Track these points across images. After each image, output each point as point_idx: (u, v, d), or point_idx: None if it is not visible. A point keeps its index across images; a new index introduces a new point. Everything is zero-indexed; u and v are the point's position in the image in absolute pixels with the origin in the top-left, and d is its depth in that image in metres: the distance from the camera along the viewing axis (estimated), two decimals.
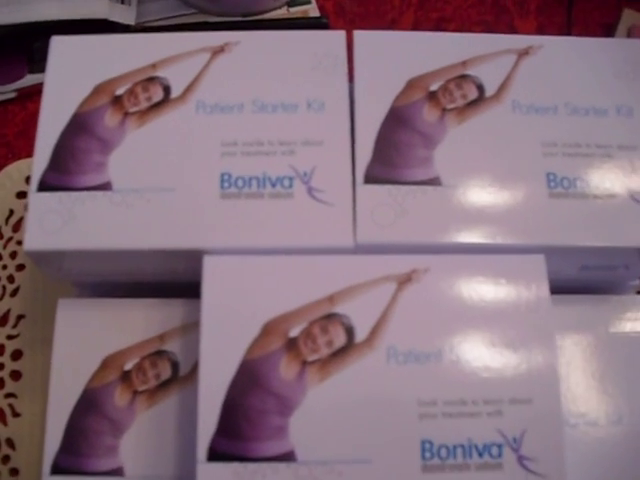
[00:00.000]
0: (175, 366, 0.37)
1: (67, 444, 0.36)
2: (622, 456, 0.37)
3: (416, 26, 0.55)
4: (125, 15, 0.54)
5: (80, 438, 0.36)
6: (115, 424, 0.36)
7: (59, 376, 0.37)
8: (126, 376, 0.37)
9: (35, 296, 0.47)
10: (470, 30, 0.54)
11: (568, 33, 0.54)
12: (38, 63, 0.52)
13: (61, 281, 0.40)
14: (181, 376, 0.37)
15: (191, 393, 0.35)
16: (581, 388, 0.37)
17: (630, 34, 0.52)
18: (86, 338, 0.37)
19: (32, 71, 0.53)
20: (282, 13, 0.56)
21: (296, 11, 0.56)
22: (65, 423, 0.36)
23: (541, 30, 0.54)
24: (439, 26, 0.55)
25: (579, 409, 0.37)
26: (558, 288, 0.37)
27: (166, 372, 0.37)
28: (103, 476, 0.35)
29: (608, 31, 0.54)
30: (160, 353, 0.37)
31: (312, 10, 0.56)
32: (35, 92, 0.37)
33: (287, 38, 0.39)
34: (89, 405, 0.36)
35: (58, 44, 0.38)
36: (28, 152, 0.37)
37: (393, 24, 0.56)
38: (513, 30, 0.55)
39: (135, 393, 0.36)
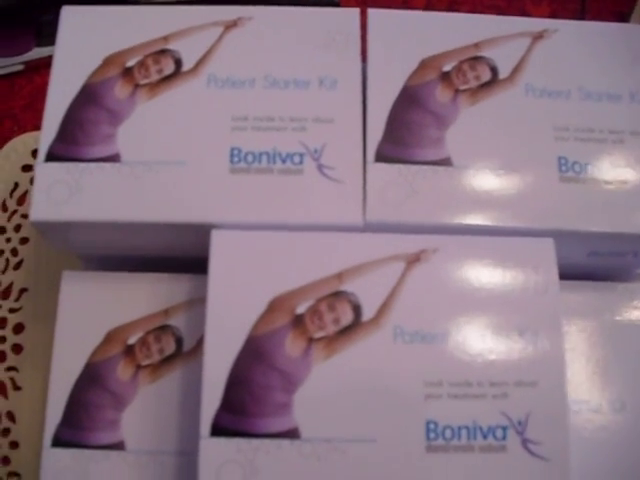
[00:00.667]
0: (179, 341, 0.37)
1: (68, 417, 0.36)
2: (623, 444, 0.36)
3: (428, 8, 0.55)
4: None
5: (81, 411, 0.36)
6: (117, 398, 0.36)
7: (62, 349, 0.37)
8: (129, 350, 0.36)
9: (38, 270, 0.47)
10: (480, 13, 0.54)
11: (581, 20, 0.54)
12: (46, 36, 0.51)
13: (65, 255, 0.40)
14: (185, 351, 0.36)
15: (194, 369, 0.35)
16: (585, 375, 0.37)
17: None
18: (90, 311, 0.37)
19: (40, 44, 0.52)
20: None
21: None
22: (67, 396, 0.36)
23: (554, 17, 0.54)
24: (451, 8, 0.55)
25: (582, 395, 0.37)
26: (565, 274, 0.36)
27: (170, 347, 0.37)
28: (104, 450, 0.35)
29: (622, 20, 0.53)
30: (164, 328, 0.37)
31: None
32: (42, 65, 0.37)
33: (300, 14, 0.38)
34: (91, 379, 0.36)
35: (69, 14, 0.38)
36: (34, 125, 0.36)
37: (405, 4, 0.56)
38: (525, 14, 0.54)
39: (138, 367, 0.36)
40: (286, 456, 0.32)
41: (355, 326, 0.33)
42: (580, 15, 0.54)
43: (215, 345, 0.33)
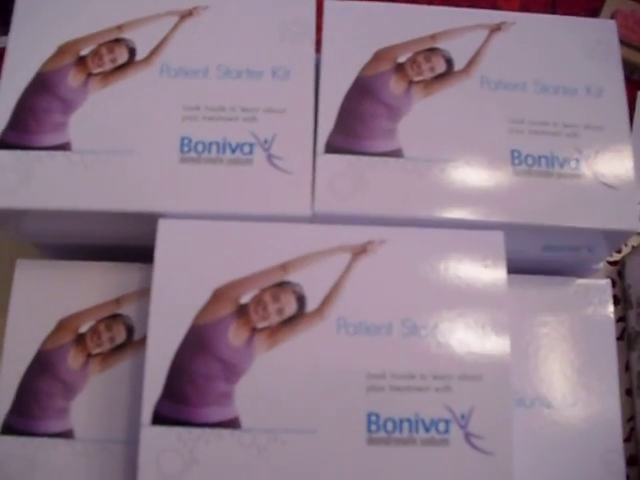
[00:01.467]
0: (130, 330, 0.37)
1: (18, 405, 0.36)
2: (575, 438, 0.36)
3: None
4: None
5: (31, 399, 0.36)
6: (67, 386, 0.36)
7: (13, 336, 0.37)
8: (81, 339, 0.36)
9: None
10: (453, 5, 0.53)
11: (552, 14, 0.53)
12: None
13: (23, 245, 0.40)
14: (135, 340, 0.36)
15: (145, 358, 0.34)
16: (539, 369, 0.37)
17: (613, 18, 0.51)
18: (42, 299, 0.37)
19: (5, 32, 0.52)
20: None
21: None
22: (17, 384, 0.36)
23: (525, 10, 0.53)
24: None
25: (536, 390, 0.37)
26: (521, 268, 0.36)
27: (121, 336, 0.36)
28: (53, 438, 0.35)
29: (593, 15, 0.53)
30: (115, 317, 0.37)
31: None
32: None
33: (256, 4, 0.38)
34: (42, 367, 0.36)
35: (24, 1, 0.38)
36: None
37: None
38: (495, 8, 0.54)
39: (89, 356, 0.36)
40: (226, 446, 0.32)
41: (299, 317, 0.33)
42: (551, 9, 0.53)
43: (158, 333, 0.33)
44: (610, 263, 0.46)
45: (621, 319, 0.45)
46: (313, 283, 0.33)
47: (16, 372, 0.36)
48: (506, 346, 0.33)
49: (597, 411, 0.37)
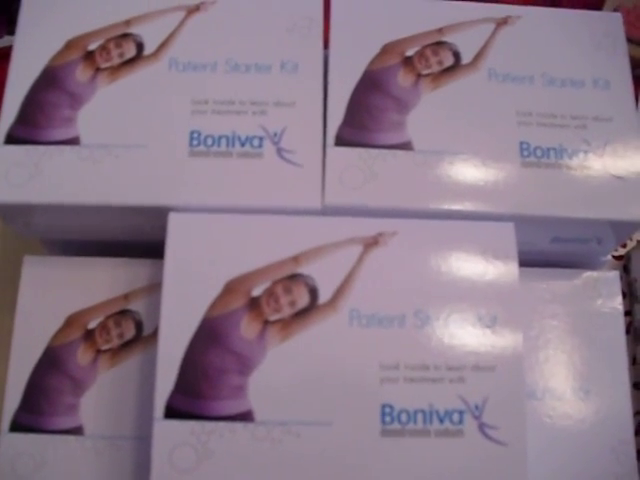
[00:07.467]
0: (139, 326, 0.36)
1: (27, 402, 0.35)
2: (586, 430, 0.36)
3: None
4: None
5: (40, 396, 0.35)
6: (76, 383, 0.36)
7: (22, 333, 0.36)
8: (89, 335, 0.36)
9: (4, 257, 0.46)
10: None
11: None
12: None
13: (30, 243, 0.40)
14: (144, 336, 0.36)
15: (154, 353, 0.34)
16: (549, 362, 0.37)
17: None
18: (51, 296, 0.37)
19: (11, 32, 0.52)
20: None
21: None
22: (26, 381, 0.36)
23: (528, 2, 0.53)
24: None
25: (546, 383, 0.37)
26: (530, 261, 0.36)
27: (130, 332, 0.36)
28: (62, 434, 0.35)
29: (596, 9, 0.53)
30: (124, 312, 0.37)
31: None
32: None
33: None
34: (51, 363, 0.36)
35: None
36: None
37: None
38: (499, 1, 0.54)
39: (98, 352, 0.36)
40: (240, 439, 0.32)
41: (311, 309, 0.33)
42: (552, 3, 0.53)
43: (170, 326, 0.33)
44: (615, 258, 0.46)
45: (627, 313, 0.45)
46: (325, 275, 0.33)
47: (25, 369, 0.36)
48: (518, 337, 0.33)
49: (607, 403, 0.37)
